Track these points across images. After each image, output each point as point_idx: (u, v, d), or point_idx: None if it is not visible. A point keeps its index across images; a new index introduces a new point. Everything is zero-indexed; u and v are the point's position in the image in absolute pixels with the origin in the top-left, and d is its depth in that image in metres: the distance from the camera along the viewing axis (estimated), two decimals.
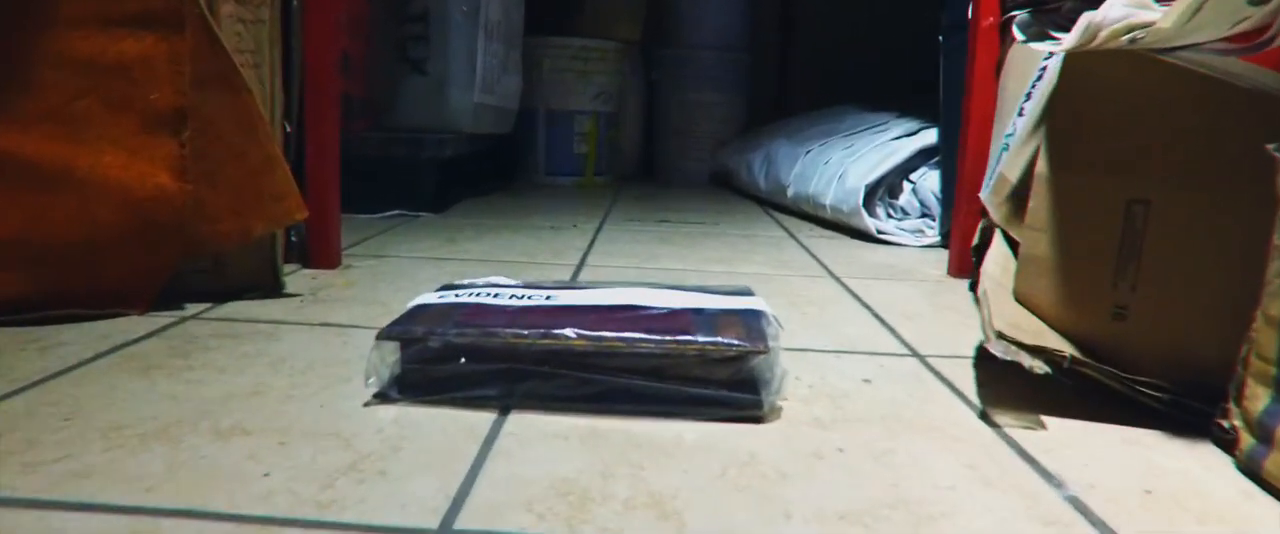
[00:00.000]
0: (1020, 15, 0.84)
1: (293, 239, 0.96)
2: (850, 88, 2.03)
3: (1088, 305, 0.59)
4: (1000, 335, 0.54)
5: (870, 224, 1.32)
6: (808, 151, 1.61)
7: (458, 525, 0.39)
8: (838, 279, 1.01)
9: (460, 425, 0.50)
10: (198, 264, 0.77)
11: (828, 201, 1.43)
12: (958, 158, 1.03)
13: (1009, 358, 0.53)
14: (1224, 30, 0.50)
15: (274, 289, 0.82)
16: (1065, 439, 0.52)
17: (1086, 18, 0.59)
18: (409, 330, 0.55)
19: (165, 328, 0.68)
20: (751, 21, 2.37)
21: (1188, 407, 0.53)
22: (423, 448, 0.47)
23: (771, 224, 1.51)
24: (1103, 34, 0.54)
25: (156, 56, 0.71)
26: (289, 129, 0.89)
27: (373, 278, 0.91)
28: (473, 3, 1.54)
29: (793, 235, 1.37)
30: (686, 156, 2.35)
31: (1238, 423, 0.49)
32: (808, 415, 0.54)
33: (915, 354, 0.69)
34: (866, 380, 0.62)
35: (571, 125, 2.12)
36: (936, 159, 1.36)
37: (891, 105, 1.64)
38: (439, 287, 0.66)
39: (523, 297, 0.62)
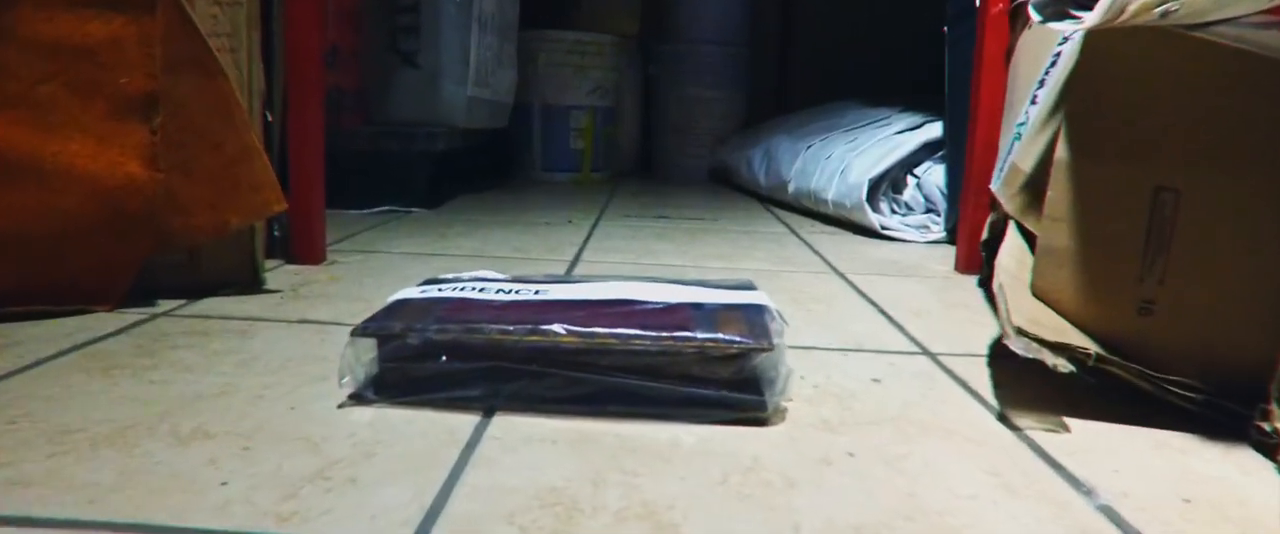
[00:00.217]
0: None
1: (275, 233, 0.92)
2: (850, 88, 2.00)
3: (1112, 300, 0.55)
4: (1020, 332, 0.51)
5: (874, 220, 1.28)
6: (809, 147, 1.58)
7: None
8: (842, 275, 0.97)
9: (440, 429, 0.46)
10: (172, 259, 0.74)
11: (830, 197, 1.40)
12: (965, 150, 1.00)
13: (1030, 355, 0.50)
14: (1267, 1, 0.47)
15: (253, 285, 0.78)
16: (1091, 443, 0.48)
17: None
18: (386, 326, 0.51)
19: (134, 325, 0.65)
20: (751, 15, 2.33)
21: (1222, 408, 0.50)
22: (398, 453, 0.43)
23: (772, 220, 1.47)
24: (1131, 7, 0.51)
25: (126, 39, 0.67)
26: (270, 118, 0.85)
27: (358, 274, 0.88)
28: None
29: (794, 231, 1.34)
30: (685, 153, 2.31)
31: None
32: (815, 417, 0.51)
33: (926, 352, 0.66)
34: (876, 380, 0.58)
35: (567, 121, 2.08)
36: (941, 153, 1.32)
37: (894, 101, 1.61)
38: (422, 281, 0.62)
39: (510, 291, 0.58)
